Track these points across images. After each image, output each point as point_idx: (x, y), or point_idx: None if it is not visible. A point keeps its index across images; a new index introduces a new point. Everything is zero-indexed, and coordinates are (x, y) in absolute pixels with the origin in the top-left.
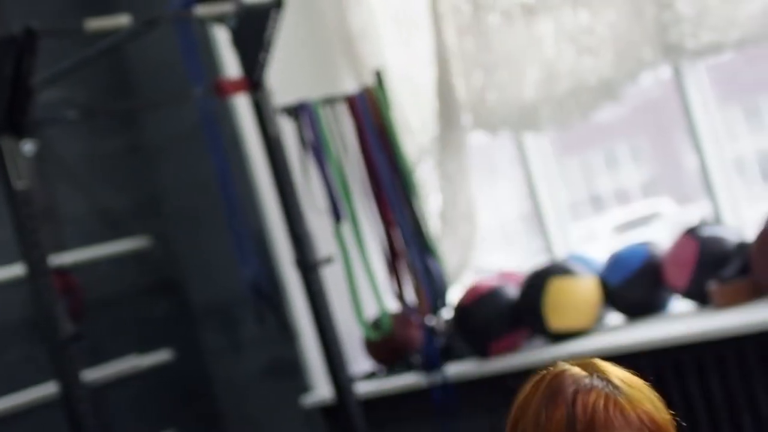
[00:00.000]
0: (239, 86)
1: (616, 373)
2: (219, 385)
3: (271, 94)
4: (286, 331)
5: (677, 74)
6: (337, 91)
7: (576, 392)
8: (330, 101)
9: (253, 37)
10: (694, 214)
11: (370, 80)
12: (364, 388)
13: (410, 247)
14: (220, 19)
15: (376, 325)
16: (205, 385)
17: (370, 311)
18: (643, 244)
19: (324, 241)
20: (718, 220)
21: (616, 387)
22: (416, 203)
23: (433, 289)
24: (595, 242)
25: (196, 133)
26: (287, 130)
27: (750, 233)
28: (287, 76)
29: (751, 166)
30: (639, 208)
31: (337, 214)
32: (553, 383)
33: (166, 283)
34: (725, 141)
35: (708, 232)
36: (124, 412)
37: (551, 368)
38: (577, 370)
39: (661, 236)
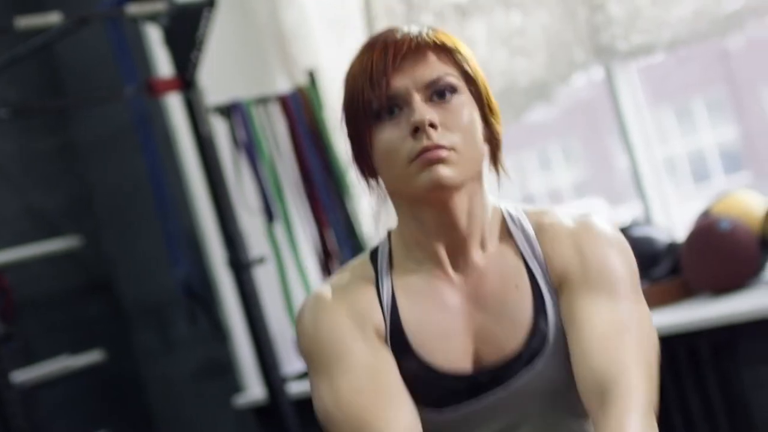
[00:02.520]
0: (171, 85)
1: (452, 36)
2: (151, 386)
3: (204, 93)
4: (219, 332)
5: (609, 76)
6: (270, 90)
7: (395, 36)
8: (263, 101)
9: (186, 36)
10: (625, 214)
11: (302, 80)
12: (296, 388)
13: (343, 247)
14: (152, 17)
15: None
16: (138, 386)
17: None
18: None
19: (256, 241)
20: (648, 220)
21: (437, 35)
22: (349, 203)
23: None
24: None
25: (128, 133)
26: (219, 129)
27: (680, 233)
28: (220, 76)
29: (683, 167)
30: (571, 208)
31: (269, 214)
32: (378, 35)
33: (97, 283)
34: (656, 142)
35: (639, 232)
36: (56, 413)
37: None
38: (406, 26)
39: None
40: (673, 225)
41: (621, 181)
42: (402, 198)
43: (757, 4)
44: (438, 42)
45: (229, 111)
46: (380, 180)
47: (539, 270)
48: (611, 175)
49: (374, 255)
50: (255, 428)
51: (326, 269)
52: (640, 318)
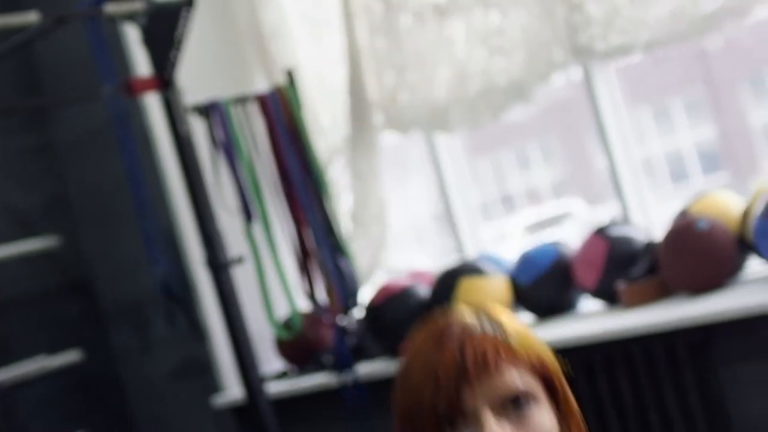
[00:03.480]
0: (150, 85)
1: (505, 317)
2: (129, 386)
3: (182, 92)
4: (197, 331)
5: (587, 76)
6: (249, 90)
7: (464, 337)
8: (241, 100)
9: (164, 35)
10: (603, 214)
11: (281, 79)
12: (275, 388)
13: (321, 246)
14: (131, 16)
15: (288, 324)
16: (116, 386)
17: (281, 311)
18: (553, 244)
19: (235, 241)
20: (626, 220)
21: (504, 330)
22: (327, 203)
23: (344, 288)
24: (506, 242)
25: (106, 132)
26: (198, 129)
27: (658, 233)
28: (198, 75)
29: (660, 167)
30: (550, 208)
31: (248, 214)
32: (441, 328)
33: (75, 283)
34: (634, 142)
35: (617, 232)
36: (34, 413)
37: (441, 314)
38: (466, 314)
39: (572, 236)
40: (651, 225)
41: (599, 181)
42: None
43: (734, 5)
44: (517, 346)
45: (207, 110)
46: None
47: None
48: (590, 175)
49: None
50: (233, 428)
51: (304, 268)
52: None
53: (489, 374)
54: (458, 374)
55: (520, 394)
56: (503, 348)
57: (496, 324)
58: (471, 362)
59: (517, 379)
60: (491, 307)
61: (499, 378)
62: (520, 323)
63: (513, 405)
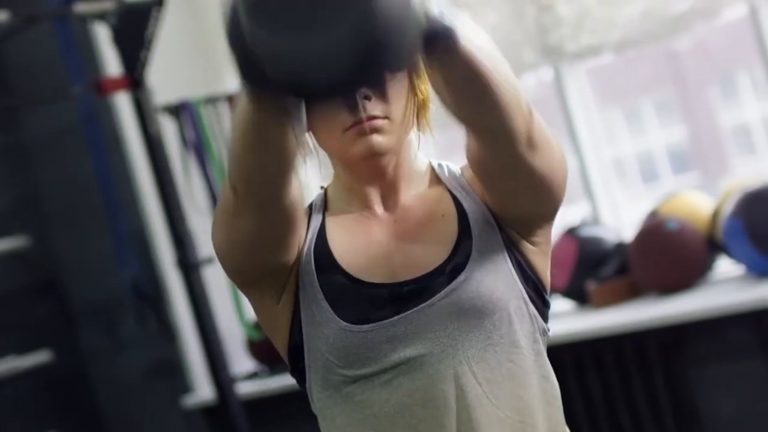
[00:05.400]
0: (120, 84)
1: None
2: (99, 386)
3: (152, 92)
4: (167, 332)
5: (557, 76)
6: (219, 90)
7: None
8: (212, 100)
9: (134, 35)
10: (574, 214)
11: None
12: (245, 389)
13: None
14: (101, 16)
15: (258, 325)
16: (86, 386)
17: (252, 311)
18: None
19: (205, 241)
20: (597, 220)
21: None
22: None
23: None
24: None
25: (76, 132)
26: (168, 129)
27: (628, 233)
28: (168, 75)
29: (631, 167)
30: None
31: None
32: None
33: (45, 283)
34: (604, 142)
35: (587, 232)
36: (3, 414)
37: None
38: None
39: None
40: (621, 225)
41: (570, 181)
42: (337, 157)
43: (704, 6)
44: None
45: (177, 110)
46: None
47: (464, 195)
48: None
49: (309, 205)
50: (204, 428)
51: None
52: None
53: None
54: None
55: None
56: None
57: None
58: None
59: None
60: None
61: None
62: None
63: None
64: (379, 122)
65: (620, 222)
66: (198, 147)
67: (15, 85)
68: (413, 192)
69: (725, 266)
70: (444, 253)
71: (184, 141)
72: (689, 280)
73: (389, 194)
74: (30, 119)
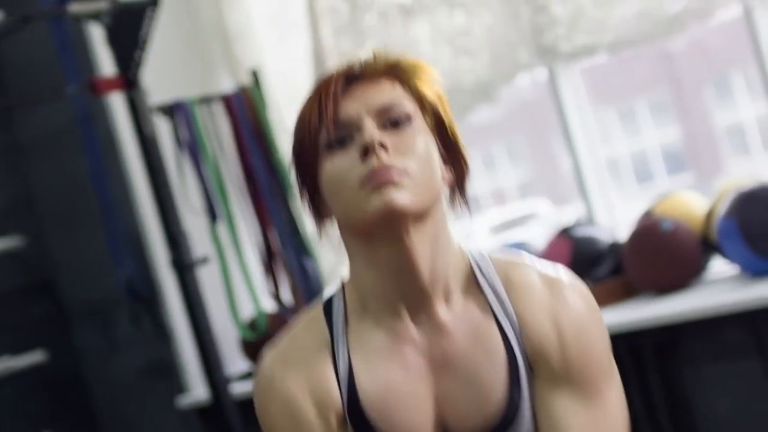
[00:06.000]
0: (114, 84)
1: (411, 59)
2: (94, 387)
3: (147, 92)
4: (162, 332)
5: (552, 77)
6: (214, 90)
7: (352, 64)
8: (206, 100)
9: (129, 35)
10: (568, 214)
11: (246, 80)
12: (240, 389)
13: (287, 247)
14: (95, 16)
15: (253, 325)
16: (81, 387)
17: (247, 311)
18: (518, 245)
19: (200, 242)
20: (591, 220)
21: (396, 60)
22: (293, 203)
23: (309, 289)
24: (472, 242)
25: (70, 132)
26: (163, 129)
27: (623, 233)
28: (163, 75)
29: (625, 167)
30: (515, 208)
31: (213, 214)
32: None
33: (40, 283)
34: (599, 143)
35: (581, 232)
36: None
37: None
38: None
39: (537, 236)
40: (616, 225)
41: (565, 181)
42: (355, 234)
43: (698, 6)
44: (391, 66)
45: (172, 111)
46: (333, 219)
47: (512, 332)
48: (555, 175)
49: (328, 309)
50: (199, 429)
51: (270, 269)
52: (615, 406)
53: (366, 86)
54: (335, 89)
55: (397, 108)
56: (382, 67)
57: (389, 56)
58: (348, 75)
59: (394, 93)
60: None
61: (376, 89)
62: (426, 69)
63: (391, 123)
64: (396, 174)
65: (615, 222)
66: (192, 147)
67: (9, 85)
68: (448, 303)
69: (720, 266)
70: (492, 406)
71: (178, 141)
72: (684, 280)
73: (422, 303)
74: (24, 119)
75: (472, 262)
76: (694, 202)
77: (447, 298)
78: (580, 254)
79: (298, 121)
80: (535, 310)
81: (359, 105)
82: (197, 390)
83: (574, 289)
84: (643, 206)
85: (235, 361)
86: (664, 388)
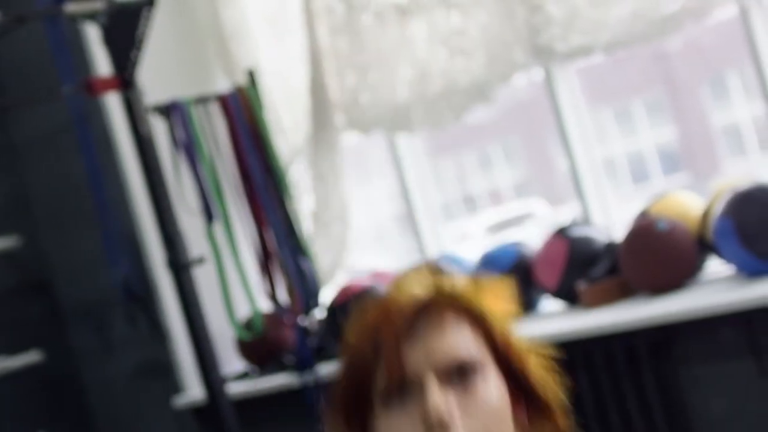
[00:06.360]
0: (110, 84)
1: (464, 281)
2: (90, 387)
3: (143, 92)
4: (158, 332)
5: (548, 77)
6: (210, 90)
7: (409, 301)
8: (202, 100)
9: (125, 35)
10: (565, 214)
11: (242, 80)
12: (236, 389)
13: (283, 247)
14: (91, 16)
15: (249, 325)
16: (76, 387)
17: (243, 311)
18: (514, 244)
19: (196, 242)
20: (587, 220)
21: (454, 294)
22: (289, 203)
23: (305, 289)
24: (468, 242)
25: (66, 132)
26: (159, 129)
27: (619, 234)
28: (159, 75)
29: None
30: (511, 208)
31: (209, 214)
32: (387, 299)
33: (35, 284)
34: (595, 143)
35: (577, 232)
36: None
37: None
38: (416, 285)
39: (533, 236)
40: (612, 225)
41: (561, 181)
42: None
43: (694, 6)
44: (458, 302)
45: (168, 111)
46: None
47: None
48: (551, 175)
49: None
50: (195, 429)
51: (266, 269)
52: None
53: (432, 335)
54: (399, 332)
55: (465, 362)
56: (449, 310)
57: (448, 288)
58: (413, 321)
59: (463, 345)
60: (451, 274)
61: (444, 341)
62: (481, 291)
63: (458, 374)
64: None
65: (611, 222)
66: (188, 147)
67: (5, 85)
68: None
69: (715, 266)
70: None
71: (174, 141)
72: (679, 280)
73: None
74: (20, 119)
75: None
76: (690, 202)
77: None
78: (576, 254)
79: (348, 357)
80: None
81: (423, 358)
82: (193, 390)
83: None
84: (639, 206)
85: (230, 361)
86: (659, 388)
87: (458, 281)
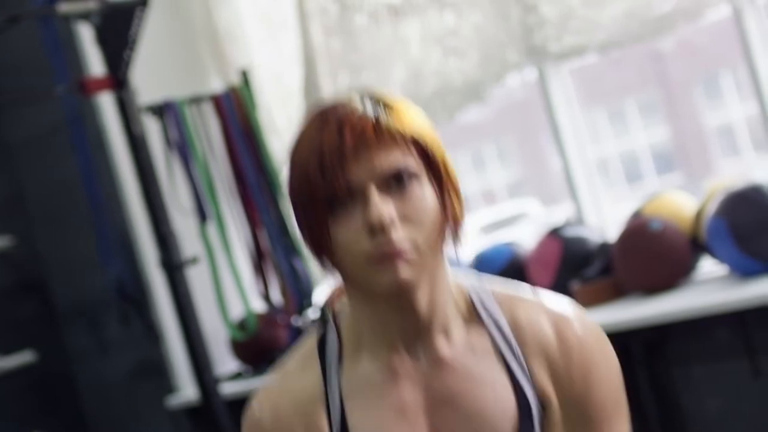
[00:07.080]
0: (104, 84)
1: (390, 98)
2: (84, 387)
3: (136, 92)
4: (152, 332)
5: (541, 77)
6: (203, 90)
7: (345, 116)
8: (196, 100)
9: (118, 34)
10: (558, 214)
11: (236, 80)
12: (230, 389)
13: (276, 247)
14: (84, 16)
15: (242, 325)
16: (70, 387)
17: (236, 312)
18: (508, 244)
19: (189, 242)
20: (581, 220)
21: (386, 110)
22: (282, 204)
23: (299, 289)
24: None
25: (60, 132)
26: (152, 129)
27: (612, 234)
28: (152, 75)
29: (615, 168)
30: (505, 208)
31: (202, 215)
32: (325, 110)
33: (29, 284)
34: (589, 143)
35: (571, 232)
36: None
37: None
38: (351, 97)
39: (527, 236)
40: (605, 225)
41: (554, 181)
42: (357, 287)
43: (687, 6)
44: (397, 124)
45: (161, 111)
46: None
47: (520, 371)
48: (545, 175)
49: (322, 344)
50: (188, 429)
51: (259, 269)
52: None
53: (370, 151)
54: (340, 152)
55: (401, 171)
56: (383, 126)
57: (379, 104)
58: (351, 139)
59: (399, 156)
60: (378, 90)
61: (381, 155)
62: (404, 104)
63: (395, 182)
64: (404, 252)
65: (604, 222)
66: (182, 147)
67: None
68: (448, 338)
69: (709, 266)
70: None
71: (167, 141)
72: (673, 280)
73: (420, 338)
74: (14, 119)
75: (473, 296)
76: (684, 202)
77: (446, 334)
78: (570, 254)
79: (296, 167)
80: (541, 352)
81: (365, 171)
82: (187, 390)
83: (583, 328)
84: (633, 206)
85: (224, 361)
86: (653, 388)
87: (395, 100)
